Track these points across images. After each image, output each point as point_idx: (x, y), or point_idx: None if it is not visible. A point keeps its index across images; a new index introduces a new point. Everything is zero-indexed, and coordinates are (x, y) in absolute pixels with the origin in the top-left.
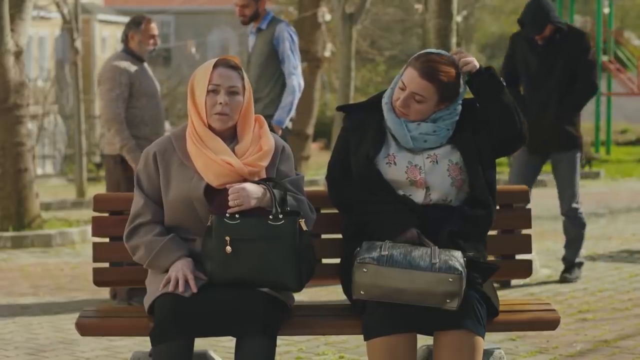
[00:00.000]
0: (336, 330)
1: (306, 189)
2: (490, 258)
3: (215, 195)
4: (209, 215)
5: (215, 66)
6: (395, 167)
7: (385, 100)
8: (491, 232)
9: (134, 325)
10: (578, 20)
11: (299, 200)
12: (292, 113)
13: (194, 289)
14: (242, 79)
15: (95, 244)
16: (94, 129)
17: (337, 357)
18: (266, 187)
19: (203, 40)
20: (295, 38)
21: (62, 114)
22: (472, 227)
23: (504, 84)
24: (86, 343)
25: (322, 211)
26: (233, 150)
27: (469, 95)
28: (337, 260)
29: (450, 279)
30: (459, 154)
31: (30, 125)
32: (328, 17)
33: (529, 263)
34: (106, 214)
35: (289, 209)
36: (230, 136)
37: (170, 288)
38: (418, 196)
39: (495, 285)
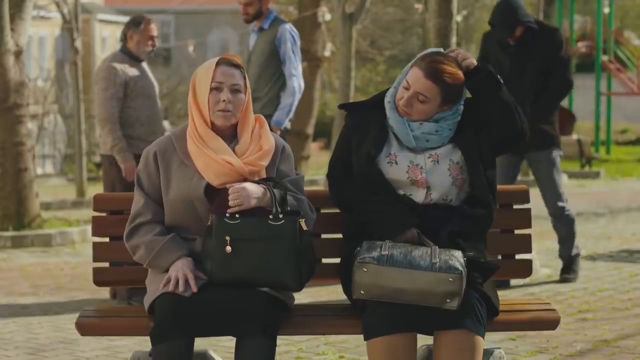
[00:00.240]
0: (336, 330)
1: (306, 188)
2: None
3: (215, 195)
4: (209, 214)
5: (217, 64)
6: (397, 166)
7: (388, 99)
8: (491, 232)
9: (134, 325)
10: (578, 20)
11: (299, 200)
12: (291, 114)
13: (194, 289)
14: (244, 77)
15: (95, 244)
16: (94, 129)
17: (337, 357)
18: (266, 186)
19: (203, 40)
20: (297, 39)
21: (62, 114)
22: (472, 227)
23: (502, 82)
24: (86, 343)
25: (322, 211)
26: (233, 150)
27: (468, 95)
28: (337, 260)
29: (450, 279)
30: (460, 154)
31: (30, 125)
32: (328, 16)
33: (528, 263)
34: (106, 214)
35: (289, 208)
36: (231, 135)
37: (171, 288)
38: (418, 196)
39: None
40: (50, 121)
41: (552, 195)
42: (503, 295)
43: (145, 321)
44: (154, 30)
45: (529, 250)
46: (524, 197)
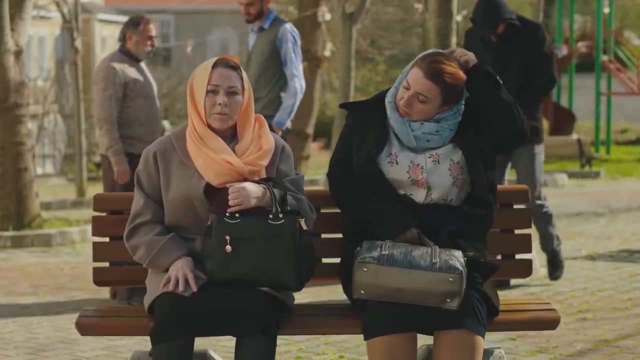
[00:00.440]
0: (336, 329)
1: (306, 188)
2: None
3: (215, 195)
4: (209, 214)
5: (214, 66)
6: (397, 166)
7: (388, 99)
8: (491, 232)
9: (134, 324)
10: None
11: (299, 199)
12: (293, 115)
13: (194, 289)
14: (242, 78)
15: (95, 244)
16: (94, 129)
17: (337, 356)
18: (266, 186)
19: (203, 40)
20: (298, 40)
21: (62, 114)
22: (473, 227)
23: (501, 81)
24: (86, 343)
25: (322, 210)
26: (233, 150)
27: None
28: (337, 260)
29: (450, 279)
30: (461, 153)
31: (30, 125)
32: (328, 16)
33: (528, 262)
34: (106, 214)
35: (289, 208)
36: (231, 135)
37: (170, 287)
38: (419, 196)
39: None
40: (50, 121)
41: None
42: (503, 295)
43: (145, 321)
44: (153, 30)
45: (529, 250)
46: (524, 197)
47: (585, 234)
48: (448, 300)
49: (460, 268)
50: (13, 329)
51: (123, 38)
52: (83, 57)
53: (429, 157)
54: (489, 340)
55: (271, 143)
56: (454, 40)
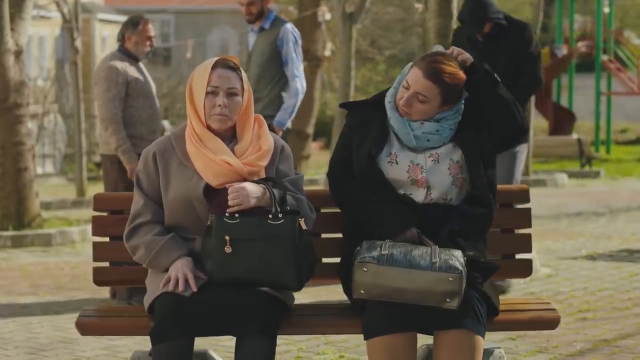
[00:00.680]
0: (336, 329)
1: (306, 188)
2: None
3: (214, 195)
4: (209, 214)
5: (214, 67)
6: (397, 166)
7: (388, 99)
8: (491, 231)
9: (134, 324)
10: (578, 20)
11: (298, 199)
12: (294, 115)
13: (194, 288)
14: (241, 79)
15: (95, 244)
16: (94, 128)
17: (337, 356)
18: (266, 186)
19: (203, 40)
20: (299, 40)
21: (62, 113)
22: (472, 226)
23: (499, 80)
24: (86, 342)
25: (322, 210)
26: (232, 150)
27: None
28: (337, 260)
29: (450, 279)
30: (461, 153)
31: (30, 125)
32: (328, 16)
33: (529, 262)
34: (106, 214)
35: (288, 208)
36: (230, 136)
37: (170, 287)
38: (419, 195)
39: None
40: (50, 121)
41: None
42: (503, 294)
43: (145, 321)
44: (152, 30)
45: (529, 250)
46: (524, 196)
47: (585, 233)
48: (448, 300)
49: (460, 268)
50: (13, 328)
51: (122, 38)
52: (83, 57)
53: (429, 156)
54: (489, 340)
55: (270, 143)
56: None
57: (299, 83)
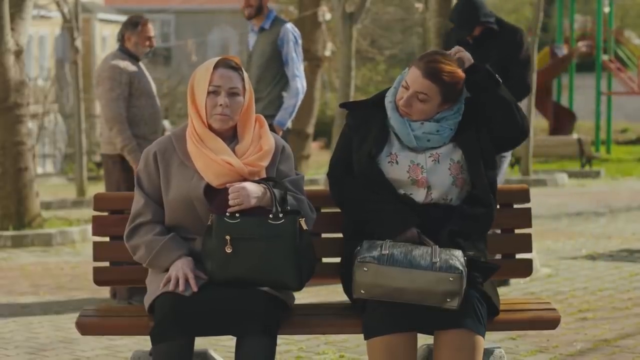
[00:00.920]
0: (336, 329)
1: (306, 187)
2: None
3: (215, 195)
4: (209, 214)
5: (215, 67)
6: (397, 166)
7: (389, 99)
8: (491, 231)
9: (134, 324)
10: (578, 20)
11: (299, 199)
12: (294, 115)
13: (194, 288)
14: (243, 79)
15: (95, 243)
16: (94, 128)
17: (337, 356)
18: (266, 186)
19: (203, 40)
20: (299, 40)
21: (63, 113)
22: (473, 226)
23: (500, 81)
24: (86, 342)
25: (323, 210)
26: (233, 150)
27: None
28: (338, 260)
29: (450, 278)
30: (461, 153)
31: (31, 124)
32: (328, 16)
33: (529, 262)
34: (106, 213)
35: (289, 208)
36: (231, 136)
37: (171, 287)
38: (419, 195)
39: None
40: (51, 120)
41: None
42: (503, 294)
43: (145, 321)
44: (151, 30)
45: (529, 250)
46: (525, 196)
47: (585, 233)
48: (448, 299)
49: (461, 268)
50: (13, 328)
51: (122, 38)
52: (83, 57)
53: (429, 156)
54: (489, 339)
55: (271, 144)
56: None
57: (300, 83)
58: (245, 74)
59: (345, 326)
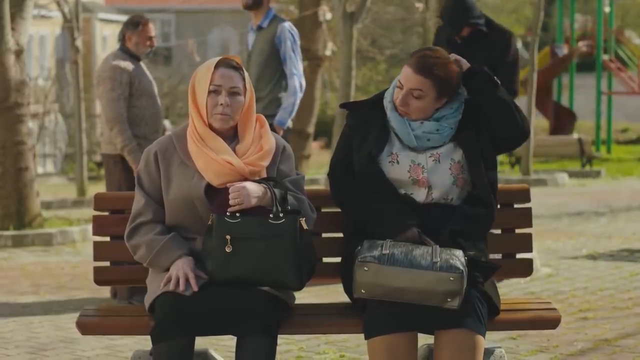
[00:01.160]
0: (337, 329)
1: (307, 187)
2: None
3: (215, 195)
4: (210, 214)
5: (216, 66)
6: (398, 166)
7: (387, 99)
8: (492, 231)
9: (134, 324)
10: (579, 19)
11: (299, 199)
12: (294, 114)
13: (195, 288)
14: (244, 79)
15: (95, 243)
16: (94, 128)
17: (337, 356)
18: (267, 186)
19: (204, 39)
20: (297, 38)
21: (63, 113)
22: (473, 226)
23: (499, 82)
24: (87, 342)
25: (323, 210)
26: (234, 150)
27: None
28: (338, 259)
29: (451, 278)
30: (461, 153)
31: (31, 124)
32: (329, 16)
33: (529, 262)
34: (107, 213)
35: (289, 207)
36: (231, 136)
37: (171, 287)
38: (420, 195)
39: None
40: (51, 120)
41: None
42: (503, 294)
43: (145, 320)
44: (152, 30)
45: (530, 250)
46: (525, 196)
47: (585, 233)
48: (449, 299)
49: (461, 267)
50: (14, 328)
51: (123, 38)
52: (84, 57)
53: (430, 156)
54: (490, 339)
55: (272, 143)
56: None
57: (297, 81)
58: (246, 74)
59: (346, 326)
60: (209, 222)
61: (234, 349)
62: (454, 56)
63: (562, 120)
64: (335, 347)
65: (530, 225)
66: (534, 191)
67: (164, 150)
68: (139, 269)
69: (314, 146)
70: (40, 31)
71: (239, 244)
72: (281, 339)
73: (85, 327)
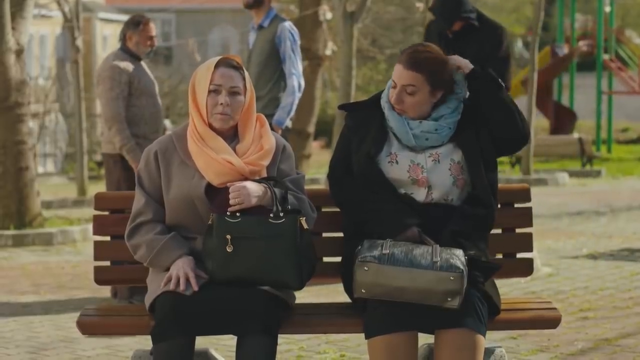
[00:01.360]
0: (337, 328)
1: (307, 187)
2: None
3: (216, 194)
4: (210, 214)
5: (216, 66)
6: (397, 165)
7: (384, 99)
8: (492, 231)
9: (135, 323)
10: (579, 19)
11: (299, 199)
12: (292, 113)
13: (195, 287)
14: (244, 79)
15: (96, 243)
16: (95, 128)
17: (338, 355)
18: (267, 185)
19: (204, 39)
20: (297, 38)
21: (63, 113)
22: (473, 226)
23: (502, 84)
24: (87, 342)
25: (323, 210)
26: (234, 149)
27: None
28: (338, 259)
29: (451, 278)
30: (461, 153)
31: (32, 124)
32: (329, 15)
33: (529, 261)
34: (107, 213)
35: (289, 207)
36: (232, 135)
37: (171, 286)
38: (419, 195)
39: None
40: (52, 120)
41: None
42: (504, 293)
43: (146, 320)
44: (153, 30)
45: (530, 249)
46: (525, 196)
47: (586, 232)
48: (449, 299)
49: (461, 267)
50: (14, 327)
51: (123, 38)
52: (84, 56)
53: (429, 156)
54: (490, 339)
55: (272, 143)
56: None
57: (296, 81)
58: (247, 74)
59: (346, 325)
60: (209, 222)
61: (234, 349)
62: (455, 58)
63: (563, 119)
64: (335, 347)
65: (530, 224)
66: (534, 191)
67: (164, 150)
68: (139, 269)
69: (314, 146)
70: (40, 31)
71: (239, 244)
72: (281, 339)
73: (85, 327)
